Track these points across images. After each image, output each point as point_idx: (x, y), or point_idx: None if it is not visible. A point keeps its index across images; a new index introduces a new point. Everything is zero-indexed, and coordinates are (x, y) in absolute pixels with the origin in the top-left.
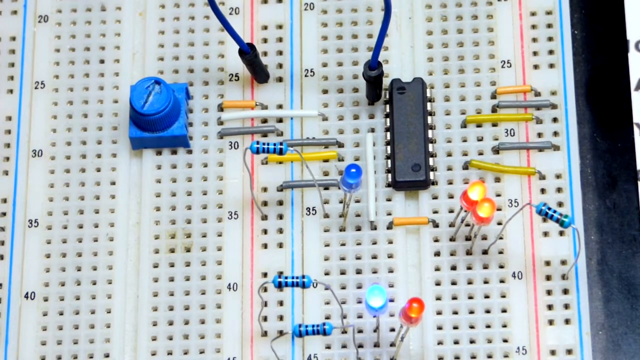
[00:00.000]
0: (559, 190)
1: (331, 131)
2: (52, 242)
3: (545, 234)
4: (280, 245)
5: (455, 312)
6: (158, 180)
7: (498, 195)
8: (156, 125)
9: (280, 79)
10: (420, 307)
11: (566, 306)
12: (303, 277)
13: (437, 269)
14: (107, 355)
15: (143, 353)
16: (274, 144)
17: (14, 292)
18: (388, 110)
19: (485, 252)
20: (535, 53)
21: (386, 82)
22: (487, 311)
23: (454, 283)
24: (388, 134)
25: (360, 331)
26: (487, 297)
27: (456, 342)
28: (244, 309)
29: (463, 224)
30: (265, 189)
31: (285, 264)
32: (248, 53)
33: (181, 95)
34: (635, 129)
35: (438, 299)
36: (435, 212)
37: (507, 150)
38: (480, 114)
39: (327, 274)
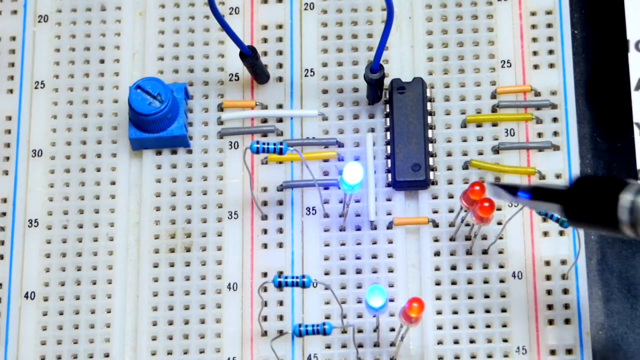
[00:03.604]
0: None
1: (331, 131)
2: (52, 242)
3: (545, 234)
4: (280, 245)
5: (455, 312)
6: (158, 180)
7: None
8: (155, 125)
9: (280, 79)
10: (420, 307)
11: (566, 306)
12: (303, 277)
13: (437, 269)
14: (107, 355)
15: (143, 353)
16: (274, 144)
17: (14, 292)
18: (388, 110)
19: (485, 252)
20: (535, 53)
21: (386, 82)
22: (487, 311)
23: (454, 283)
24: (388, 133)
25: (360, 331)
26: (487, 297)
27: (456, 342)
28: (244, 308)
29: (463, 224)
30: (265, 189)
31: (285, 264)
32: (249, 56)
33: (180, 95)
34: (635, 129)
35: (438, 298)
36: (435, 212)
37: (507, 150)
38: (480, 114)
39: (327, 274)
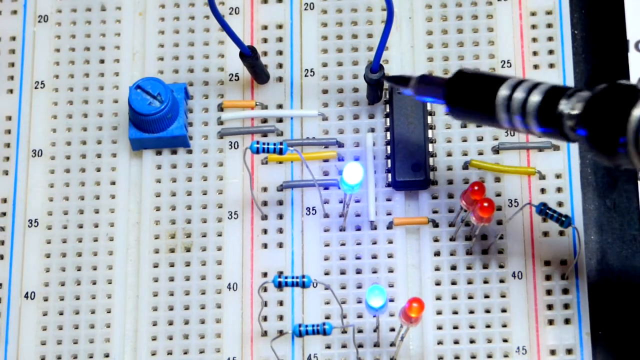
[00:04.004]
0: (559, 190)
1: (331, 131)
2: (52, 242)
3: (545, 234)
4: (280, 245)
5: (455, 312)
6: (158, 180)
7: (498, 195)
8: (155, 125)
9: (280, 79)
10: (420, 307)
11: (566, 306)
12: (303, 277)
13: (437, 269)
14: (107, 355)
15: (143, 353)
16: (274, 144)
17: (14, 292)
18: (388, 110)
19: (485, 252)
20: (535, 53)
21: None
22: (487, 311)
23: (454, 283)
24: (388, 133)
25: (360, 331)
26: (487, 297)
27: (456, 342)
28: (244, 309)
29: (463, 223)
30: (265, 189)
31: (285, 264)
32: (249, 56)
33: (180, 95)
34: None
35: (438, 298)
36: (435, 212)
37: (507, 150)
38: None
39: (327, 274)
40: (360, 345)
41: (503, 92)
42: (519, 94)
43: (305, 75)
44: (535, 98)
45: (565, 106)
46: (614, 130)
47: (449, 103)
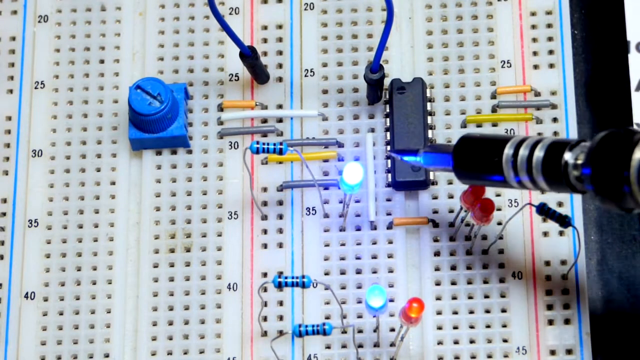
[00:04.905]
0: None
1: (331, 131)
2: (52, 242)
3: (545, 234)
4: (280, 245)
5: (455, 312)
6: (158, 180)
7: (498, 195)
8: (155, 125)
9: (280, 79)
10: (420, 307)
11: (566, 306)
12: (303, 277)
13: (437, 269)
14: (107, 355)
15: (143, 353)
16: (274, 144)
17: (14, 292)
18: (388, 110)
19: (485, 252)
20: (535, 53)
21: (386, 82)
22: (487, 311)
23: (453, 283)
24: (388, 134)
25: (360, 331)
26: (486, 297)
27: (456, 342)
28: (244, 309)
29: (463, 224)
30: (265, 189)
31: (285, 264)
32: (249, 56)
33: (180, 95)
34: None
35: (438, 299)
36: (435, 212)
37: None
38: (480, 114)
39: (327, 274)
40: (360, 346)
41: (508, 151)
42: (523, 151)
43: (305, 76)
44: (539, 153)
45: (569, 157)
46: (618, 171)
47: (458, 169)
